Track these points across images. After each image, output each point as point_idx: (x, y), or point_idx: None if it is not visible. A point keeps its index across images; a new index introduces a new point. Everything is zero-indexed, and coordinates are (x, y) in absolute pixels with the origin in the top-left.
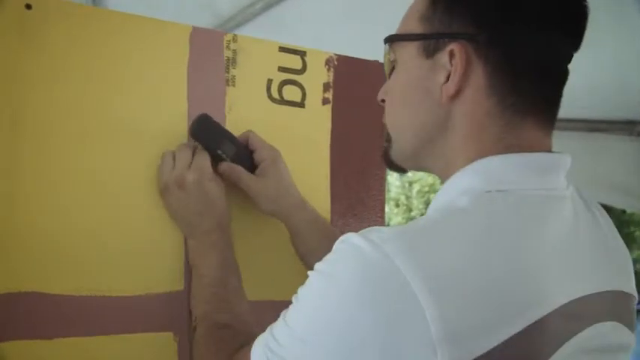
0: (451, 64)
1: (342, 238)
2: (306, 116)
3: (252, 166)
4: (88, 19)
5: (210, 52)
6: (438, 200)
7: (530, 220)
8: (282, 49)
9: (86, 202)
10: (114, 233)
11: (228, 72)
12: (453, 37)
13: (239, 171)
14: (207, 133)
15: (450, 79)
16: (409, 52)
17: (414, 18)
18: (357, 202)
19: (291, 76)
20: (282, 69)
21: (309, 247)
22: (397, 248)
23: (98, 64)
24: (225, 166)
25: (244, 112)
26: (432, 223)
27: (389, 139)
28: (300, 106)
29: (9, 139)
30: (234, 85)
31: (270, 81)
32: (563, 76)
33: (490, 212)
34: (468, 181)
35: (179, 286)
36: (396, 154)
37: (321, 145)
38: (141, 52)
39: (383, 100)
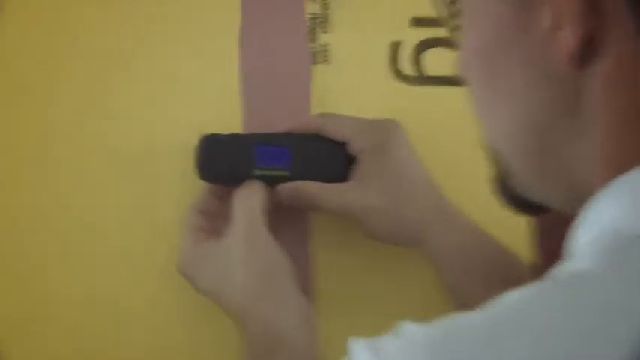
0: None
1: (350, 344)
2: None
3: (344, 168)
4: None
5: (282, 10)
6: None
7: None
8: None
9: None
10: None
11: (313, 40)
12: None
13: (305, 188)
14: (222, 161)
15: (566, 23)
16: None
17: None
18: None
19: (437, 33)
20: (417, 22)
21: (456, 278)
22: None
23: None
24: (281, 188)
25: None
26: (507, 319)
27: (498, 163)
28: (456, 85)
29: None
30: (326, 60)
31: (395, 45)
32: None
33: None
34: (610, 215)
35: None
36: (517, 181)
37: None
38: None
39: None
